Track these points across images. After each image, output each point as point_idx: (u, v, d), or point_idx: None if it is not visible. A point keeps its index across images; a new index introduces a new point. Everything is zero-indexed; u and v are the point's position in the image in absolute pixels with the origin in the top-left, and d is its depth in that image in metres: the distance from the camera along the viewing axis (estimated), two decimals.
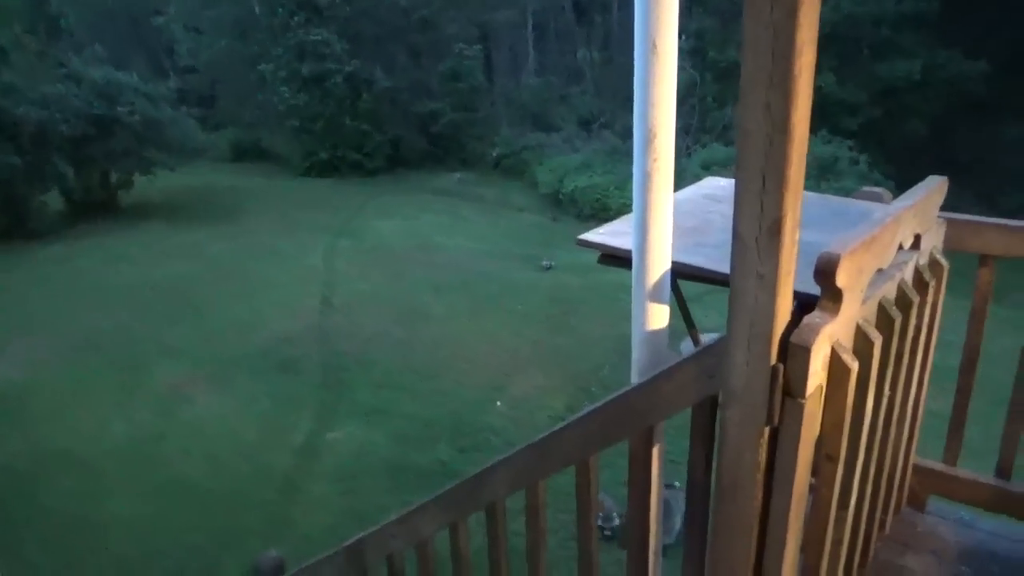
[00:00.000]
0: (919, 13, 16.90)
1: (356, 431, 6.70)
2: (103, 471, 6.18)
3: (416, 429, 6.69)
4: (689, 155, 18.03)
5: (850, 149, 15.84)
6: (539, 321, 9.48)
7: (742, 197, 1.29)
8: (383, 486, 5.87)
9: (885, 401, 1.75)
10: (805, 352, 1.35)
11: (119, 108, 14.84)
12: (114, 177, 16.08)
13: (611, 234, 1.91)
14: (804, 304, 1.46)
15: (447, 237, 14.21)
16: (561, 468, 1.83)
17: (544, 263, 12.44)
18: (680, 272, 1.69)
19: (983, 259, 2.11)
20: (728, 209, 2.13)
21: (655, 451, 1.70)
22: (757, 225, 1.29)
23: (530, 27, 30.68)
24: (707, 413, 1.60)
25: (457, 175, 22.24)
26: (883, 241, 1.56)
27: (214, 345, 8.72)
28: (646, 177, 1.52)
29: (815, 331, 1.36)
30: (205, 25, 22.56)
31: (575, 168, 18.77)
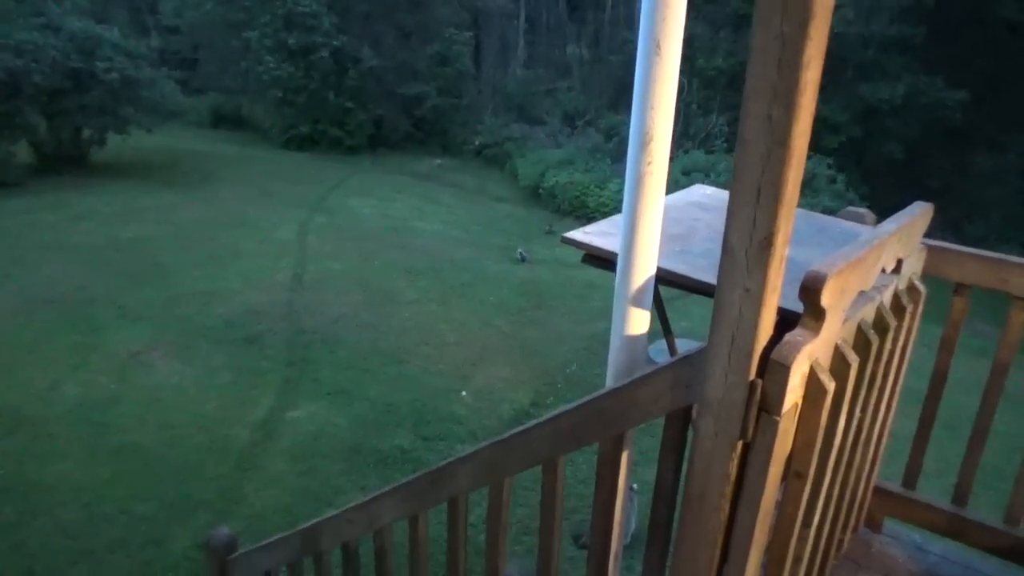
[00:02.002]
0: (905, 37, 17.16)
1: (317, 411, 6.62)
2: (53, 433, 6.02)
3: (378, 413, 6.63)
4: (671, 160, 18.09)
5: (829, 167, 16.04)
6: (510, 313, 9.46)
7: (735, 209, 1.28)
8: (341, 468, 5.81)
9: (855, 422, 1.76)
10: (784, 370, 1.34)
11: (97, 63, 14.44)
12: (87, 133, 15.67)
13: (597, 234, 1.89)
14: (785, 320, 1.46)
15: (423, 222, 14.11)
16: (528, 467, 1.81)
17: (519, 252, 12.43)
18: (663, 278, 1.68)
19: (959, 288, 2.13)
20: (714, 218, 2.13)
21: (624, 456, 1.69)
22: (748, 238, 1.28)
23: (522, 18, 30.56)
24: (680, 423, 1.59)
25: (437, 160, 22.10)
26: (868, 263, 1.56)
27: (177, 312, 8.55)
28: (639, 180, 1.50)
29: (796, 349, 1.36)
30: None
31: (556, 163, 18.75)
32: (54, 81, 13.93)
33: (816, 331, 1.43)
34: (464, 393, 7.16)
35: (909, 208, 1.88)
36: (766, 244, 1.28)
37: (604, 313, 9.72)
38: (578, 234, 1.87)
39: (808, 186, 14.92)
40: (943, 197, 17.32)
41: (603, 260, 1.84)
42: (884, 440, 2.13)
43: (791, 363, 1.35)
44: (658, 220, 1.54)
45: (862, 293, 1.64)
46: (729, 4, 18.92)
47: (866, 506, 2.27)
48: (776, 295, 1.33)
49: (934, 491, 2.36)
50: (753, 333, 1.34)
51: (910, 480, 2.37)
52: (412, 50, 23.74)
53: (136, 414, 6.38)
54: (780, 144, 1.21)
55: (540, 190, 18.30)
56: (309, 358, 7.60)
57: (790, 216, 1.28)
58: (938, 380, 2.23)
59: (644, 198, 1.51)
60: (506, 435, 1.82)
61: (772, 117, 1.20)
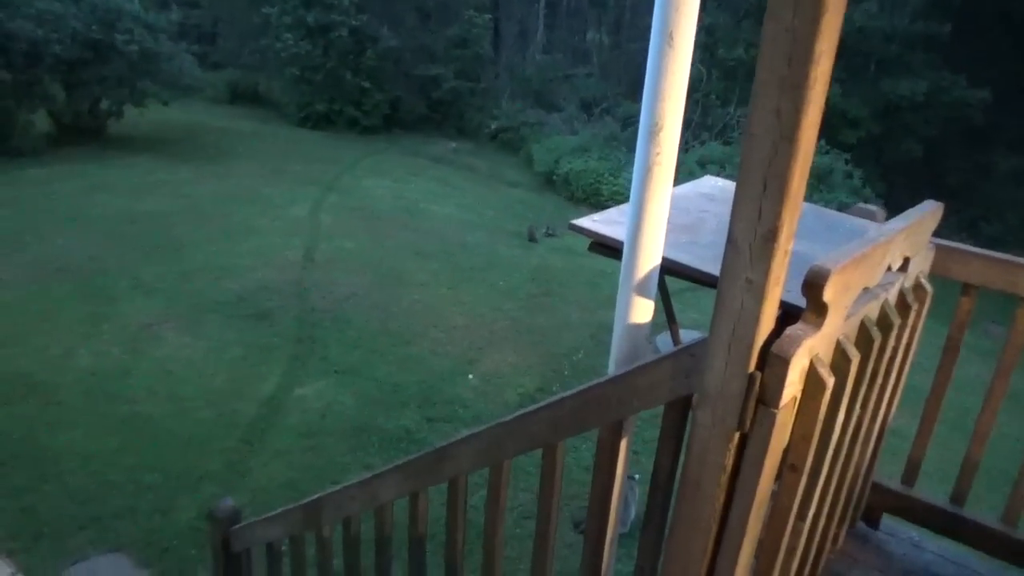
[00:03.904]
0: (930, 34, 16.93)
1: (325, 389, 6.67)
2: (64, 401, 6.10)
3: (385, 393, 6.67)
4: (687, 150, 18.01)
5: (846, 163, 15.91)
6: (519, 298, 9.47)
7: (740, 201, 1.28)
8: (346, 447, 5.86)
9: (854, 418, 1.76)
10: (784, 363, 1.35)
11: (117, 35, 14.47)
12: (105, 104, 15.74)
13: (604, 222, 1.89)
14: (787, 314, 1.47)
15: (436, 204, 14.12)
16: (528, 450, 1.83)
17: (546, 230, 12.74)
18: (668, 268, 1.69)
19: (966, 288, 2.13)
20: (723, 210, 2.13)
21: (623, 443, 1.71)
22: (752, 230, 1.28)
23: (543, 2, 30.34)
24: (679, 412, 1.60)
25: (452, 143, 22.06)
26: (873, 260, 1.56)
27: (189, 286, 8.62)
28: (647, 170, 1.50)
29: (796, 343, 1.37)
30: None
31: (572, 150, 18.69)
32: (74, 52, 13.98)
33: (818, 326, 1.43)
34: (471, 376, 7.19)
35: (919, 206, 1.88)
36: (770, 237, 1.28)
37: (613, 302, 9.67)
38: (586, 222, 1.87)
39: (824, 181, 14.82)
40: (961, 197, 17.18)
41: (609, 248, 1.84)
42: (883, 436, 2.13)
43: (791, 357, 1.36)
44: (665, 210, 1.55)
45: (866, 290, 1.64)
46: None
47: (863, 502, 2.28)
48: (779, 288, 1.34)
49: (937, 492, 2.37)
50: (754, 325, 1.35)
51: (909, 477, 2.38)
52: (431, 32, 23.64)
53: (146, 385, 6.45)
54: (787, 139, 1.22)
55: (554, 176, 18.25)
56: (318, 336, 7.65)
57: (795, 210, 1.29)
58: (942, 379, 2.23)
59: (651, 188, 1.52)
60: (507, 418, 1.84)
61: (780, 111, 1.20)
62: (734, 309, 1.36)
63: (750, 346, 1.37)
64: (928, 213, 1.87)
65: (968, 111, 17.32)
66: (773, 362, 1.37)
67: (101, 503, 4.99)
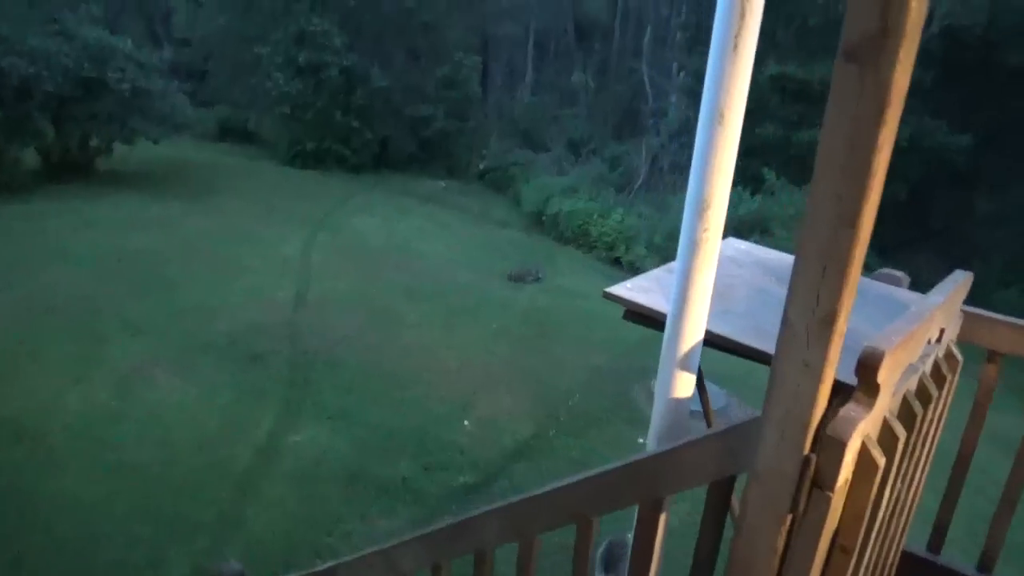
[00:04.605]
0: (913, 81, 17.23)
1: (319, 435, 6.56)
2: (53, 446, 5.96)
3: (380, 440, 6.58)
4: (675, 192, 18.20)
5: None
6: (512, 340, 9.43)
7: (798, 283, 1.27)
8: (342, 495, 5.75)
9: (896, 493, 1.74)
10: (841, 446, 1.33)
11: (109, 73, 14.50)
12: (94, 141, 15.71)
13: (639, 290, 1.88)
14: (834, 390, 1.45)
15: (426, 243, 14.12)
16: (562, 524, 1.78)
17: (534, 274, 12.60)
18: (709, 341, 1.67)
19: (991, 355, 2.13)
20: (750, 275, 2.12)
21: (662, 519, 1.67)
22: (810, 313, 1.27)
23: (531, 44, 30.85)
24: (724, 491, 1.57)
25: (442, 182, 22.17)
26: (919, 337, 1.56)
27: (180, 326, 8.51)
28: (694, 245, 1.50)
29: (852, 425, 1.35)
30: None
31: (561, 190, 18.81)
32: (65, 88, 13.98)
33: (869, 406, 1.42)
34: (466, 422, 7.11)
35: (951, 277, 1.88)
36: (828, 321, 1.28)
37: (606, 345, 9.70)
38: (620, 290, 1.86)
39: None
40: (944, 238, 17.44)
41: (644, 317, 1.83)
42: (916, 505, 2.11)
43: (847, 440, 1.34)
44: (710, 286, 1.54)
45: (909, 364, 1.63)
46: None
47: (894, 571, 2.24)
48: (833, 370, 1.33)
49: (961, 555, 2.34)
50: (810, 408, 1.33)
51: (935, 544, 2.35)
52: (421, 72, 23.90)
53: (136, 431, 6.32)
54: (848, 224, 1.22)
55: (543, 217, 18.34)
56: (311, 379, 7.56)
57: (853, 295, 1.28)
58: (967, 446, 2.22)
59: (698, 263, 1.51)
60: (540, 491, 1.80)
61: (841, 197, 1.20)
62: (789, 391, 1.34)
63: (805, 427, 1.35)
64: (961, 284, 1.87)
65: (950, 155, 17.66)
66: (829, 445, 1.35)
67: (91, 556, 4.83)
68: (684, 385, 1.62)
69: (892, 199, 18.35)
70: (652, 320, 1.81)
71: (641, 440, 7.16)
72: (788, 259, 2.32)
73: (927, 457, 2.00)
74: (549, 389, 8.14)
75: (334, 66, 20.82)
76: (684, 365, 1.60)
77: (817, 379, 1.32)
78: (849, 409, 1.40)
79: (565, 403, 7.83)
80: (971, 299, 2.11)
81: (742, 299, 1.92)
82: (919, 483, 2.04)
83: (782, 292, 2.05)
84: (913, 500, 2.05)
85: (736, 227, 14.42)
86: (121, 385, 7.03)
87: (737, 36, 1.34)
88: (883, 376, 1.39)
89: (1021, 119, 16.74)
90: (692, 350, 1.58)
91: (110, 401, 6.74)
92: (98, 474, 5.69)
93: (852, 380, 1.44)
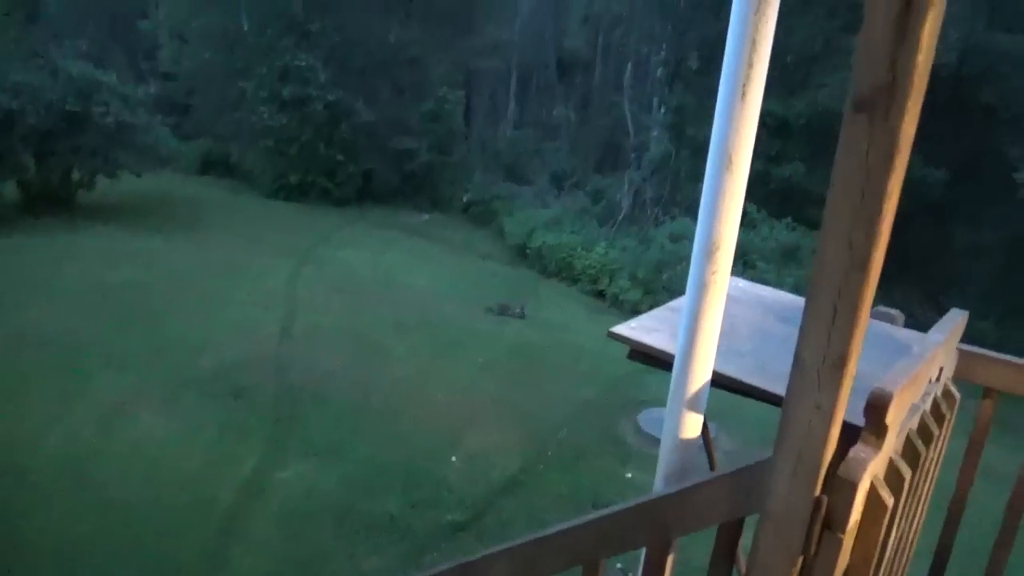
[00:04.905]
0: None
1: (305, 471, 6.48)
2: (36, 483, 5.83)
3: (368, 476, 6.50)
4: (657, 225, 18.37)
5: (813, 238, 16.35)
6: (499, 374, 9.41)
7: (810, 325, 1.29)
8: (329, 534, 5.65)
9: (901, 532, 1.75)
10: (852, 487, 1.34)
11: (93, 107, 14.51)
12: (76, 175, 15.64)
13: (643, 330, 1.89)
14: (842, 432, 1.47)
15: (412, 276, 14.12)
16: (568, 567, 1.77)
17: (517, 308, 12.53)
18: (716, 381, 1.68)
19: (987, 392, 2.16)
20: (750, 314, 2.15)
21: (670, 560, 1.67)
22: (821, 356, 1.29)
23: (514, 79, 31.26)
24: (733, 532, 1.57)
25: (425, 215, 22.25)
26: (923, 377, 1.58)
27: (164, 361, 8.41)
28: (702, 287, 1.51)
29: (862, 466, 1.37)
30: (191, 34, 22.37)
31: (544, 223, 18.94)
32: (48, 122, 13.95)
33: (878, 447, 1.44)
34: (454, 458, 7.06)
35: (949, 316, 1.92)
36: (840, 363, 1.29)
37: (592, 378, 9.70)
38: (624, 330, 1.87)
39: (793, 257, 15.18)
40: (921, 271, 17.71)
41: (649, 357, 1.84)
42: (916, 544, 2.12)
43: (859, 481, 1.35)
44: (718, 327, 1.56)
45: (912, 403, 1.65)
46: (717, 77, 19.46)
47: None
48: (843, 411, 1.34)
49: None
50: (821, 449, 1.35)
51: None
52: (405, 106, 24.11)
53: (119, 469, 6.21)
54: (859, 268, 1.24)
55: (527, 249, 18.42)
56: (297, 415, 7.47)
57: (862, 336, 1.30)
58: (964, 484, 2.24)
59: (706, 305, 1.53)
60: (546, 532, 1.79)
61: (853, 242, 1.23)
62: (800, 432, 1.36)
63: (816, 469, 1.36)
64: (959, 323, 1.90)
65: (927, 189, 18.03)
66: (841, 486, 1.36)
67: None
68: (692, 425, 1.63)
69: None
70: (657, 360, 1.82)
71: (629, 475, 7.14)
72: (786, 297, 2.35)
73: (927, 495, 2.02)
74: (536, 423, 8.11)
75: (319, 100, 20.97)
76: (692, 405, 1.61)
77: (829, 421, 1.33)
78: (859, 450, 1.41)
79: (553, 437, 7.79)
80: None
81: (745, 338, 1.94)
82: (920, 521, 2.05)
83: (783, 331, 2.08)
84: (914, 539, 2.06)
85: None
86: (104, 421, 6.92)
87: (745, 84, 1.37)
88: (891, 417, 1.41)
89: (993, 154, 17.15)
90: (700, 390, 1.59)
91: (93, 438, 6.63)
92: (81, 512, 5.57)
93: (856, 420, 1.46)
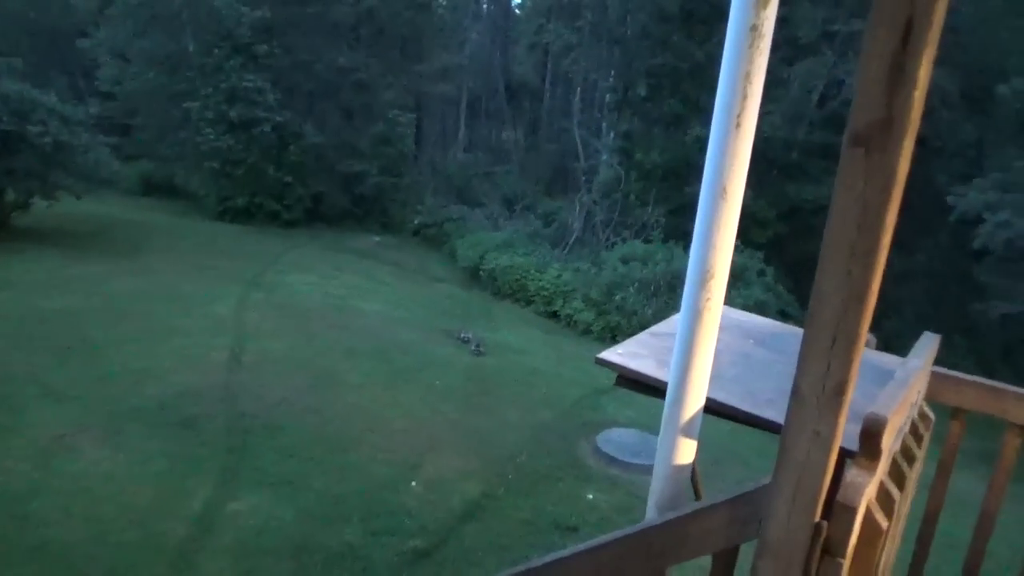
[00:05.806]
0: (827, 144, 18.39)
1: (260, 503, 6.27)
2: None
3: (325, 506, 6.33)
4: (609, 248, 18.59)
5: (760, 260, 16.77)
6: (456, 399, 9.33)
7: (808, 355, 1.31)
8: (286, 568, 5.47)
9: (887, 554, 1.78)
10: (852, 512, 1.36)
11: (29, 127, 14.00)
12: (11, 196, 15.04)
13: (629, 356, 1.90)
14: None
15: (364, 301, 13.95)
16: None
17: (462, 336, 12.37)
18: (706, 407, 1.69)
19: (955, 412, 2.23)
20: (735, 341, 2.17)
21: None
22: (821, 385, 1.31)
23: (464, 103, 31.44)
24: (730, 560, 1.58)
25: (376, 238, 22.09)
26: (909, 401, 1.62)
27: (106, 392, 8.08)
28: (696, 315, 1.53)
29: (859, 491, 1.39)
30: (134, 55, 21.86)
31: (496, 246, 18.99)
32: None
33: (872, 471, 1.46)
34: (414, 483, 6.95)
35: (923, 340, 1.97)
36: (838, 391, 1.32)
37: (550, 401, 9.71)
38: (612, 356, 1.87)
39: (740, 279, 15.51)
40: None
41: (637, 383, 1.84)
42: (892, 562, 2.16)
43: (858, 506, 1.37)
44: (711, 354, 1.57)
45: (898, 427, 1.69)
46: (664, 105, 19.97)
47: None
48: (840, 438, 1.37)
49: None
50: (820, 476, 1.36)
51: None
52: (355, 129, 23.98)
53: (60, 506, 5.91)
54: (857, 299, 1.27)
55: (480, 272, 18.43)
56: (249, 445, 7.26)
57: (858, 364, 1.32)
58: (935, 503, 2.30)
59: (700, 332, 1.54)
60: (539, 563, 1.77)
61: (851, 273, 1.25)
62: (799, 460, 1.37)
63: (816, 495, 1.37)
64: (933, 346, 1.96)
65: None
66: (840, 512, 1.38)
67: None
68: (686, 451, 1.63)
69: (812, 255, 19.25)
70: (644, 385, 1.83)
71: (590, 496, 7.13)
72: (761, 321, 2.39)
73: (906, 515, 2.06)
74: (496, 447, 8.05)
75: (267, 122, 20.70)
76: (686, 432, 1.61)
77: (828, 448, 1.35)
78: (855, 475, 1.43)
79: (513, 461, 7.75)
80: (890, 350, 2.23)
81: (728, 364, 1.96)
82: (898, 538, 2.10)
83: (764, 355, 2.11)
84: (892, 556, 2.10)
85: (670, 282, 14.81)
86: (41, 456, 6.59)
87: (740, 115, 1.40)
88: (886, 441, 1.44)
89: (924, 183, 17.88)
90: (694, 417, 1.60)
91: (30, 473, 6.31)
92: (18, 556, 5.27)
93: (847, 444, 1.48)
